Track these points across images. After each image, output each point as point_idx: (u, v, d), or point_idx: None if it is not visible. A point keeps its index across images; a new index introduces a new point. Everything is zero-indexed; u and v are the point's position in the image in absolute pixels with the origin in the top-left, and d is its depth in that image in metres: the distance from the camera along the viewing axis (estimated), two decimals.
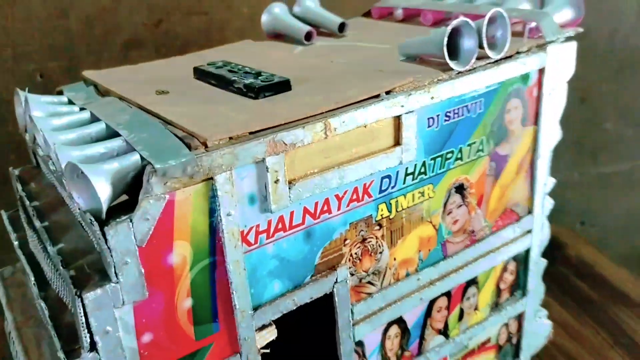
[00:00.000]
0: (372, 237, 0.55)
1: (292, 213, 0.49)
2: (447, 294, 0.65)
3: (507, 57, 0.58)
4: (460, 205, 0.62)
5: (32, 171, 0.63)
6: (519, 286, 0.73)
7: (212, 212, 0.44)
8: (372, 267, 0.57)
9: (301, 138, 0.46)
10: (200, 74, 0.59)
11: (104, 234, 0.39)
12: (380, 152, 0.52)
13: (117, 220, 0.40)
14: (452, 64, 0.54)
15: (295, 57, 0.66)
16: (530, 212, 0.69)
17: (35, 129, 0.51)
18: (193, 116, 0.47)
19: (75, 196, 0.41)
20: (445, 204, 0.60)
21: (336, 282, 0.54)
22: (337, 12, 0.74)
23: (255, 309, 0.49)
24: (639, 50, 1.32)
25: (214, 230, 0.45)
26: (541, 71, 0.62)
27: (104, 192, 0.39)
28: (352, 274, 0.55)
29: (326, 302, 0.55)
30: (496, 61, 0.58)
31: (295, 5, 0.75)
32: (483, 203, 0.64)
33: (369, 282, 0.57)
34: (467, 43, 0.55)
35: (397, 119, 0.52)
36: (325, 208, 0.51)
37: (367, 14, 0.81)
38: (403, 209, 0.57)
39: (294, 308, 0.52)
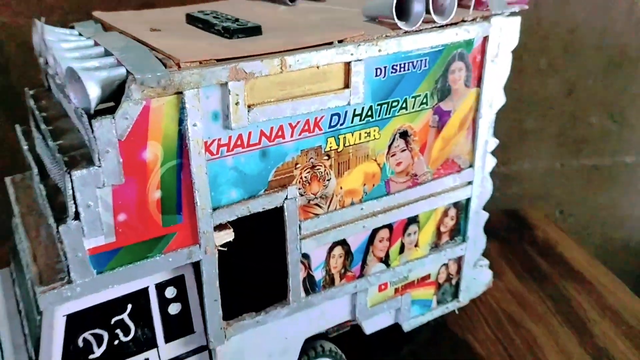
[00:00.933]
0: (320, 165, 0.66)
1: (250, 133, 0.59)
2: (389, 227, 0.75)
3: (453, 24, 0.68)
4: (404, 150, 0.72)
5: (44, 92, 0.75)
6: (459, 232, 0.84)
7: (181, 121, 0.55)
8: (320, 192, 0.67)
9: (260, 69, 0.56)
10: (191, 18, 0.70)
11: (91, 126, 0.50)
12: (331, 92, 0.62)
13: (103, 116, 0.50)
14: (400, 24, 0.64)
15: (276, 13, 0.76)
16: (471, 165, 0.79)
17: (47, 51, 0.62)
18: (174, 46, 0.58)
19: (72, 96, 0.52)
20: (389, 147, 0.70)
21: (286, 198, 0.64)
22: None
23: (214, 209, 0.60)
24: (628, 48, 1.39)
25: (182, 136, 0.55)
26: (485, 39, 0.71)
27: (93, 92, 0.50)
28: (301, 195, 0.66)
29: (277, 216, 0.66)
30: (441, 26, 0.67)
31: None
32: (426, 151, 0.74)
33: (317, 205, 0.68)
34: (417, 7, 0.65)
35: (347, 65, 0.62)
36: (280, 133, 0.61)
37: None
38: (350, 145, 0.67)
39: (248, 214, 0.62)
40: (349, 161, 0.68)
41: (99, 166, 0.52)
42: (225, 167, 0.59)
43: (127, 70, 0.52)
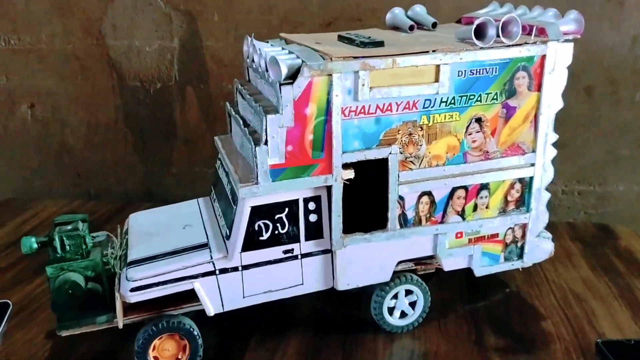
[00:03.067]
0: (415, 134, 0.99)
1: (369, 105, 0.94)
2: (465, 188, 1.05)
3: (517, 45, 0.98)
4: (478, 132, 1.02)
5: (244, 82, 1.17)
6: (523, 203, 1.10)
7: (329, 92, 0.91)
8: (414, 153, 1.00)
9: (379, 64, 0.92)
10: (340, 37, 1.08)
11: (280, 89, 0.89)
12: (425, 84, 0.96)
13: (286, 83, 0.89)
14: (476, 42, 0.96)
15: (398, 36, 1.12)
16: (534, 151, 1.07)
17: (254, 51, 1.03)
18: (329, 50, 0.95)
19: (271, 73, 0.91)
20: (467, 127, 1.01)
21: (390, 153, 0.98)
22: (436, 17, 1.18)
23: (343, 152, 0.96)
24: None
25: (329, 102, 0.92)
26: (543, 57, 1.01)
27: (284, 70, 0.89)
28: (400, 152, 0.99)
29: (384, 165, 0.99)
30: (508, 45, 0.98)
31: (409, 10, 1.21)
32: (495, 134, 1.04)
33: (411, 162, 1.00)
34: (490, 32, 0.97)
35: (437, 67, 0.95)
36: (389, 108, 0.96)
37: (458, 21, 1.24)
38: (437, 122, 0.99)
39: (364, 159, 0.97)
40: (436, 134, 1.00)
41: (282, 114, 0.90)
42: (352, 125, 0.95)
43: (302, 60, 0.91)
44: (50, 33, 1.88)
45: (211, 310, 0.99)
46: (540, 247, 1.15)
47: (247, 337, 1.11)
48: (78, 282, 0.94)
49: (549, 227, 1.16)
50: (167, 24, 1.79)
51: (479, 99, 1.00)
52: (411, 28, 1.15)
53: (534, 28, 1.00)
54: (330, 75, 0.90)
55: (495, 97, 1.01)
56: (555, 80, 1.03)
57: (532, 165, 1.08)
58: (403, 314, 1.10)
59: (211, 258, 0.97)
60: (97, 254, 0.99)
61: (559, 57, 1.01)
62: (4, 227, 1.71)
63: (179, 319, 0.98)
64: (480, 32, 0.97)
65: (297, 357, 1.05)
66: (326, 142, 0.94)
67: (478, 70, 0.98)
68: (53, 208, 1.86)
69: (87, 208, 1.86)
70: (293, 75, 0.90)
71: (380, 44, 0.98)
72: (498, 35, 0.97)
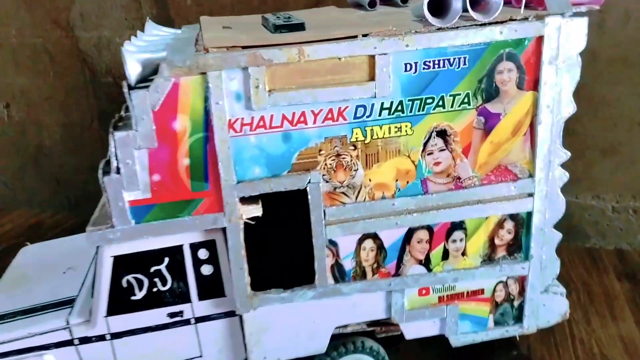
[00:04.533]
0: (346, 154, 0.69)
1: (272, 116, 0.66)
2: (429, 229, 0.74)
3: (496, 22, 0.66)
4: (443, 150, 0.71)
5: None
6: (519, 248, 0.78)
7: (206, 99, 0.63)
8: (346, 181, 0.70)
9: (278, 57, 0.63)
10: (263, 19, 0.78)
11: (130, 96, 0.62)
12: (354, 83, 0.66)
13: (139, 87, 0.61)
14: (431, 20, 0.65)
15: (348, 16, 0.81)
16: (531, 175, 0.74)
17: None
18: (219, 38, 0.67)
19: (125, 71, 0.64)
20: (425, 144, 0.70)
21: (309, 182, 0.69)
22: None
23: (238, 182, 0.67)
24: None
25: (207, 112, 0.64)
26: (539, 40, 0.68)
27: (132, 69, 0.61)
28: (326, 181, 0.70)
29: (303, 199, 0.70)
30: (482, 24, 0.66)
31: None
32: (470, 153, 0.72)
33: (344, 193, 0.71)
34: (454, 4, 0.65)
35: (372, 59, 0.65)
36: (302, 119, 0.66)
37: None
38: (378, 138, 0.69)
39: (270, 191, 0.68)
40: (378, 154, 0.70)
41: (136, 130, 0.63)
42: (248, 144, 0.66)
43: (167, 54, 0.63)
44: (19, 25, 1.70)
45: None
46: (548, 307, 0.82)
47: None
48: None
49: (591, 253, 0.82)
50: (136, 11, 1.56)
51: (440, 103, 0.69)
52: (371, 4, 0.85)
53: None
54: (205, 74, 0.62)
55: (465, 100, 0.69)
56: (563, 74, 0.70)
57: (530, 195, 0.75)
58: None
59: (67, 323, 0.72)
60: None
61: (565, 40, 0.68)
62: None
63: None
64: (440, 5, 0.66)
65: None
66: (210, 168, 0.66)
67: (437, 62, 0.67)
68: (20, 219, 1.70)
69: (56, 219, 1.68)
70: (151, 76, 0.63)
71: (299, 26, 0.69)
72: (466, 10, 0.65)
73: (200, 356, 0.76)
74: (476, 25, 0.66)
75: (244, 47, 0.63)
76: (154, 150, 0.64)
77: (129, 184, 0.65)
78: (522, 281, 0.80)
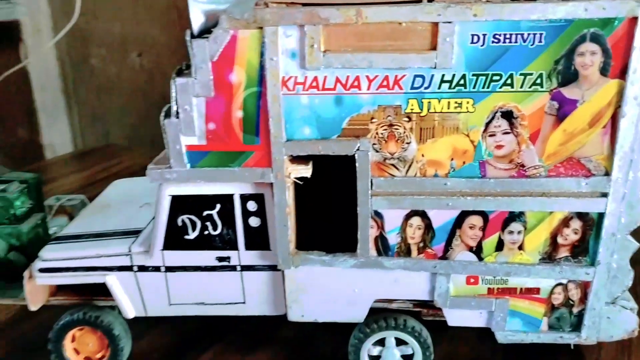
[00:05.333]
0: (399, 126, 0.67)
1: (325, 77, 0.65)
2: (483, 215, 0.70)
3: None
4: (507, 133, 0.66)
5: None
6: (585, 252, 0.71)
7: (262, 54, 0.64)
8: (397, 153, 0.68)
9: (335, 16, 0.62)
10: None
11: (191, 45, 0.64)
12: (414, 51, 0.63)
13: (200, 38, 0.64)
14: None
15: None
16: (607, 174, 0.66)
17: None
18: None
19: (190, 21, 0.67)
20: (487, 125, 0.66)
21: (359, 149, 0.68)
22: None
23: (288, 140, 0.68)
24: None
25: (262, 67, 0.65)
26: (632, 21, 0.60)
27: (196, 19, 0.64)
28: (376, 150, 0.68)
29: (351, 165, 0.69)
30: None
31: None
32: (538, 140, 0.66)
33: (393, 165, 0.69)
34: None
35: (435, 26, 0.62)
36: (356, 84, 0.65)
37: None
38: (436, 112, 0.66)
39: (319, 154, 0.68)
40: (434, 129, 0.67)
41: (195, 78, 0.66)
42: (300, 104, 0.67)
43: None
44: None
45: (129, 312, 0.81)
46: (613, 320, 0.74)
47: (206, 347, 0.91)
48: None
49: None
50: None
51: (508, 82, 0.64)
52: None
53: None
54: (262, 28, 0.63)
55: (537, 81, 0.63)
56: None
57: (604, 195, 0.67)
58: None
59: (129, 251, 0.78)
60: (34, 221, 0.88)
61: None
62: (80, 173, 1.74)
63: (97, 313, 0.82)
64: None
65: None
66: (262, 123, 0.68)
67: (508, 37, 0.62)
68: (139, 158, 1.86)
69: None
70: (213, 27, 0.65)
71: None
72: None
73: (244, 302, 0.80)
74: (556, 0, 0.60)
75: (303, 4, 0.63)
76: (211, 99, 0.67)
77: (186, 129, 0.68)
78: (585, 287, 0.73)
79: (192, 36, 0.65)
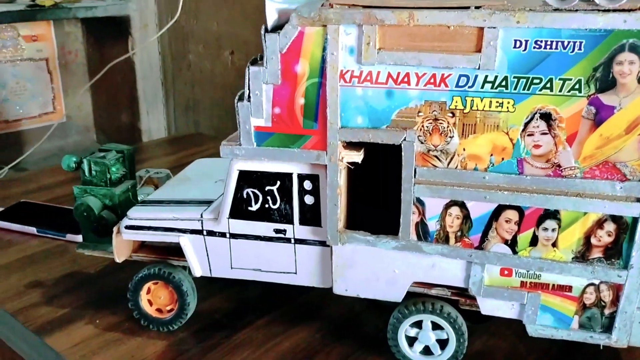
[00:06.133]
0: (443, 120, 0.73)
1: (378, 72, 0.73)
2: (519, 210, 0.75)
3: (622, 10, 0.63)
4: (545, 133, 0.70)
5: None
6: (619, 255, 0.74)
7: (324, 49, 0.73)
8: (440, 145, 0.74)
9: (390, 18, 0.69)
10: None
11: (264, 38, 0.74)
12: (460, 52, 0.69)
13: (273, 33, 0.74)
14: (550, 0, 0.65)
15: None
16: None
17: None
18: None
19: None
20: (526, 125, 0.71)
21: (405, 139, 0.75)
22: None
23: (342, 127, 0.76)
24: None
25: (324, 61, 0.74)
26: None
27: (271, 15, 0.74)
28: (421, 142, 0.75)
29: (398, 154, 0.76)
30: (605, 10, 0.64)
31: None
32: (575, 143, 0.70)
33: (436, 157, 0.75)
34: None
35: (481, 31, 0.68)
36: (406, 79, 0.72)
37: None
38: (478, 109, 0.71)
39: (369, 141, 0.76)
40: (476, 125, 0.72)
41: (266, 67, 0.76)
42: (355, 95, 0.75)
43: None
44: None
45: (197, 271, 0.93)
46: None
47: (261, 314, 1.02)
48: (92, 207, 0.98)
49: None
50: None
51: (547, 85, 0.68)
52: None
53: None
54: (325, 26, 0.72)
55: (576, 86, 0.68)
56: None
57: (639, 200, 0.70)
58: (428, 351, 0.87)
59: (201, 216, 0.90)
60: (125, 186, 1.01)
61: None
62: (170, 155, 1.91)
63: (170, 270, 0.94)
64: None
65: (288, 351, 0.92)
66: (320, 110, 0.77)
67: (549, 43, 0.67)
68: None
69: None
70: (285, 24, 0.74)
71: None
72: None
73: (295, 273, 0.89)
74: (597, 10, 0.64)
75: (364, 7, 0.71)
76: (278, 87, 0.77)
77: (255, 112, 0.78)
78: (617, 290, 0.75)
79: (266, 30, 0.75)
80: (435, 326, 0.85)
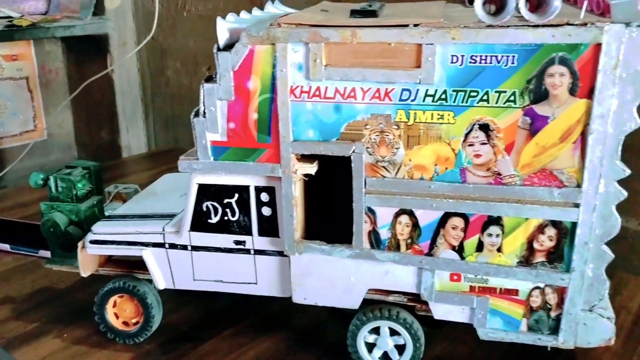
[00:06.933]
0: (389, 132, 0.76)
1: (326, 87, 0.76)
2: (464, 218, 0.78)
3: (550, 25, 0.67)
4: (484, 144, 0.74)
5: None
6: (561, 258, 0.77)
7: (274, 66, 0.76)
8: (388, 156, 0.77)
9: (334, 36, 0.72)
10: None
11: (217, 56, 0.77)
12: (402, 68, 0.72)
13: (223, 51, 0.77)
14: (481, 16, 0.68)
15: (437, 10, 0.86)
16: (579, 185, 0.72)
17: None
18: (304, 17, 0.79)
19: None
20: (466, 135, 0.74)
21: (354, 151, 0.78)
22: None
23: (294, 140, 0.79)
24: None
25: (274, 77, 0.77)
26: (597, 47, 0.66)
27: (222, 35, 0.77)
28: (369, 153, 0.78)
29: (349, 165, 0.79)
30: (535, 25, 0.67)
31: None
32: (513, 152, 0.73)
33: (384, 167, 0.78)
34: (509, 4, 0.68)
35: (419, 47, 0.71)
36: (352, 94, 0.75)
37: None
38: (421, 122, 0.75)
39: (320, 154, 0.79)
40: (420, 137, 0.75)
41: (219, 84, 0.79)
42: (305, 109, 0.78)
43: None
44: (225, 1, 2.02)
45: (160, 284, 0.95)
46: (590, 327, 0.79)
47: (228, 325, 1.04)
48: (58, 223, 1.00)
49: None
50: None
51: (484, 98, 0.72)
52: (470, 1, 0.88)
53: (592, 1, 0.67)
54: (274, 45, 0.75)
55: (512, 98, 0.71)
56: (625, 86, 0.67)
57: (576, 206, 0.73)
58: (387, 357, 0.89)
59: (163, 230, 0.92)
60: (91, 201, 1.03)
61: (629, 50, 0.66)
62: (150, 170, 1.94)
63: (135, 283, 0.96)
64: (501, 4, 0.69)
65: None
66: (273, 125, 0.79)
67: (484, 58, 0.70)
68: None
69: None
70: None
71: (371, 13, 0.78)
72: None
73: (256, 283, 0.91)
74: (528, 25, 0.67)
75: (310, 25, 0.74)
76: (232, 102, 0.79)
77: (211, 127, 0.81)
78: (561, 292, 0.78)
79: (219, 49, 0.78)
80: (393, 332, 0.88)
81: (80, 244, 0.96)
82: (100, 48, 2.28)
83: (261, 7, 0.94)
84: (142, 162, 2.17)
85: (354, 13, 0.78)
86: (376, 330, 0.88)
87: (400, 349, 0.88)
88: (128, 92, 2.36)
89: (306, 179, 0.82)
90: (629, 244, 1.25)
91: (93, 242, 0.95)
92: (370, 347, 0.89)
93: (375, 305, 0.87)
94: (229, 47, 0.78)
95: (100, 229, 0.95)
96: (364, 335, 0.88)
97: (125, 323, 0.98)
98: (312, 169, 0.81)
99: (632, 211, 1.19)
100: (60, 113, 2.46)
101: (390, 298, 0.87)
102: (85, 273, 0.98)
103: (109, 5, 2.24)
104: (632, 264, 1.24)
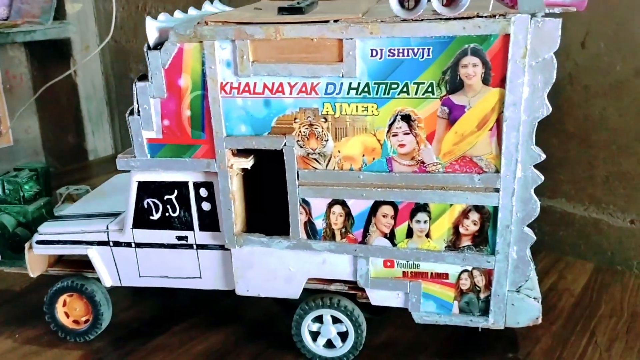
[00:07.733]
0: (318, 125, 0.79)
1: (255, 83, 0.78)
2: (393, 206, 0.81)
3: (460, 18, 0.70)
4: (407, 134, 0.77)
5: None
6: (485, 242, 0.80)
7: (203, 63, 0.78)
8: (318, 149, 0.80)
9: (258, 33, 0.75)
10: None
11: (147, 55, 0.79)
12: (325, 62, 0.75)
13: (153, 49, 0.79)
14: (396, 11, 0.71)
15: (363, 5, 0.88)
16: (497, 171, 0.76)
17: None
18: (224, 14, 0.81)
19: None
20: (390, 126, 0.77)
21: (285, 145, 0.80)
22: None
23: (227, 136, 0.81)
24: None
25: (204, 74, 0.79)
26: (505, 38, 0.69)
27: (151, 33, 0.79)
28: (300, 146, 0.80)
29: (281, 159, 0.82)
30: (446, 18, 0.70)
31: None
32: (434, 141, 0.76)
33: (315, 160, 0.81)
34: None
35: (340, 42, 0.74)
36: (280, 89, 0.78)
37: None
38: (347, 114, 0.77)
39: (253, 148, 0.81)
40: (347, 129, 0.78)
41: (151, 82, 0.81)
42: (236, 105, 0.80)
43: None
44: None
45: (107, 282, 0.96)
46: (517, 307, 0.82)
47: (179, 321, 1.05)
48: (5, 224, 1.01)
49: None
50: None
51: (404, 89, 0.75)
52: None
53: None
54: (202, 42, 0.77)
55: (429, 89, 0.74)
56: (534, 74, 0.71)
57: (496, 190, 0.77)
58: (330, 344, 0.91)
59: (107, 228, 0.93)
60: (39, 203, 1.04)
61: (536, 39, 0.69)
62: (115, 172, 1.94)
63: (83, 282, 0.97)
64: None
65: (201, 353, 0.96)
66: (206, 121, 0.81)
67: (401, 51, 0.73)
68: None
69: None
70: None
71: (298, 10, 0.80)
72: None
73: (200, 277, 0.93)
74: (440, 19, 0.70)
75: (235, 23, 0.76)
76: (164, 100, 0.81)
77: (146, 124, 0.83)
78: (489, 274, 0.81)
79: (149, 48, 0.79)
80: (335, 320, 0.90)
81: (27, 245, 0.97)
82: (63, 52, 2.27)
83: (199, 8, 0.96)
84: (107, 165, 2.17)
85: (282, 10, 0.80)
86: (319, 319, 0.91)
87: (343, 335, 0.90)
88: (93, 96, 2.36)
89: (243, 173, 0.84)
90: (576, 230, 1.29)
91: (39, 242, 0.96)
92: (315, 335, 0.91)
93: (317, 294, 0.90)
94: (158, 45, 0.80)
95: (46, 230, 0.97)
96: (308, 324, 0.91)
97: (76, 322, 1.00)
98: (247, 163, 0.83)
99: (577, 197, 1.23)
100: (26, 119, 2.45)
101: (332, 287, 0.89)
102: (34, 274, 0.99)
103: (70, 10, 2.24)
104: (579, 248, 1.28)
